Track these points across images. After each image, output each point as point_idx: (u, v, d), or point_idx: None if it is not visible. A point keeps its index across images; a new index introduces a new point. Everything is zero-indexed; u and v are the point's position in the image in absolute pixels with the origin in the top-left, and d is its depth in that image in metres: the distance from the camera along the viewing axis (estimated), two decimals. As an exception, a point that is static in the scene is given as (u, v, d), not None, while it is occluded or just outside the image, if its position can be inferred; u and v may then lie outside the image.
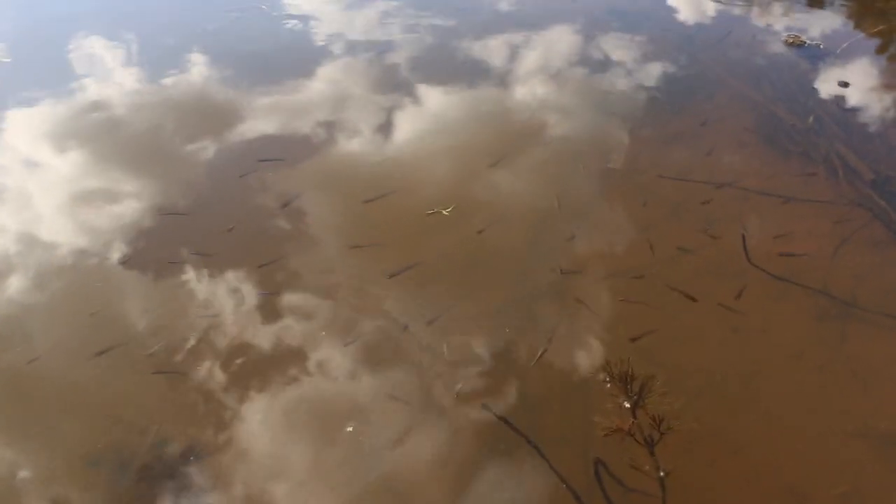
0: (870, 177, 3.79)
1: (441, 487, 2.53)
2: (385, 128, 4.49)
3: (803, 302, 3.14)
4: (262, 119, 4.63)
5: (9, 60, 5.66)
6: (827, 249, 3.39)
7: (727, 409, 2.71)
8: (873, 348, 2.95)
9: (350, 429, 2.71)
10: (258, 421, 2.78)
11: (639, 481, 2.47)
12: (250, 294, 3.33)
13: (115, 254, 3.61)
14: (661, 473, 2.47)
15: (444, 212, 3.72)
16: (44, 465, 2.71)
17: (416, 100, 4.81)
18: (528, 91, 4.84)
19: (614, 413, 2.67)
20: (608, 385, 2.76)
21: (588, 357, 2.92)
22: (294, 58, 5.42)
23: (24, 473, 2.69)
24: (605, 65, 5.11)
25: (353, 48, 5.50)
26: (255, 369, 2.98)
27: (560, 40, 5.49)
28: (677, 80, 4.88)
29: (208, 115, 4.77)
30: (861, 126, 4.32)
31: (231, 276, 3.43)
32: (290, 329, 3.15)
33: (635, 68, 5.05)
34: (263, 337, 3.12)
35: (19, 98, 5.04)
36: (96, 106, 4.88)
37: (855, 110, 4.46)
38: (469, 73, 5.06)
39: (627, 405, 2.67)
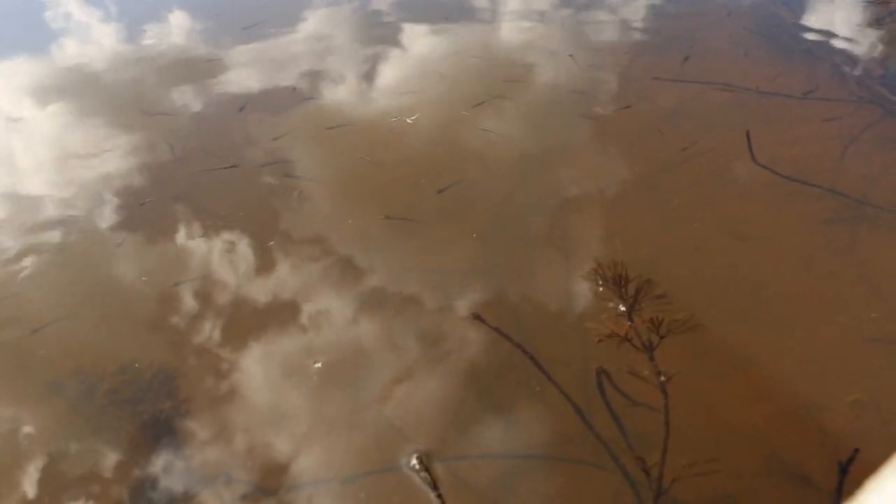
0: (879, 73, 3.50)
1: (436, 402, 2.30)
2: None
3: (812, 206, 2.89)
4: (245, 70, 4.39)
5: None
6: (836, 150, 3.12)
7: (733, 318, 2.46)
8: (886, 251, 2.72)
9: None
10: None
11: (638, 388, 2.24)
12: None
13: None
14: (662, 378, 2.23)
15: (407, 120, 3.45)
16: None
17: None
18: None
19: (609, 319, 2.42)
20: (601, 289, 2.50)
21: (580, 263, 2.66)
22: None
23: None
24: None
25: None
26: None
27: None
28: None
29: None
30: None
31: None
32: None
33: None
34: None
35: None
36: (78, 64, 4.69)
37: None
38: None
39: (623, 309, 2.42)
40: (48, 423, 2.43)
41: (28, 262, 3.15)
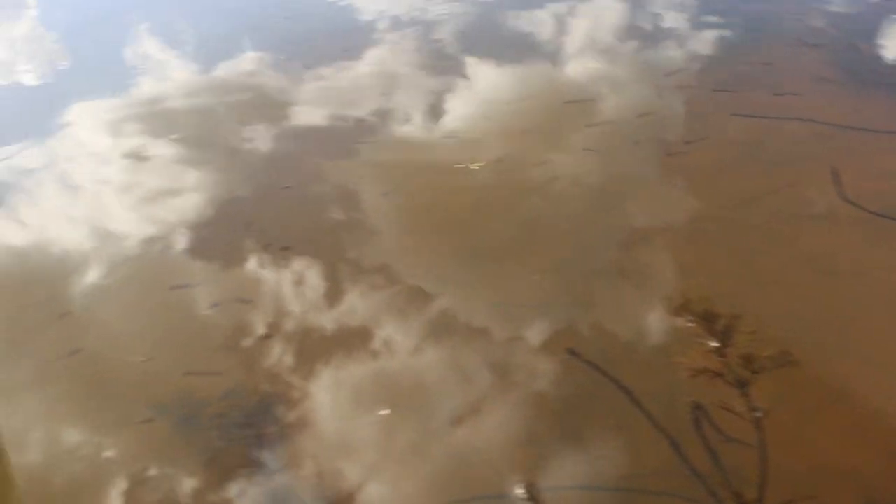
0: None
1: (528, 432, 2.38)
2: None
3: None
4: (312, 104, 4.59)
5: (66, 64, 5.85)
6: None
7: (826, 355, 2.46)
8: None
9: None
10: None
11: (730, 424, 2.27)
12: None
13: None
14: (758, 414, 2.25)
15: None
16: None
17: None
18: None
19: (699, 354, 2.45)
20: (690, 324, 2.54)
21: (668, 299, 2.71)
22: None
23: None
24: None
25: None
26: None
27: None
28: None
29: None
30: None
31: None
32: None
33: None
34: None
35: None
36: (153, 97, 4.93)
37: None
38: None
39: (714, 344, 2.46)
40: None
41: (109, 287, 3.31)
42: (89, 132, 4.69)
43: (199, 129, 4.57)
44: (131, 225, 3.71)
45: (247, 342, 2.86)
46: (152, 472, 2.41)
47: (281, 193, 3.79)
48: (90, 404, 2.72)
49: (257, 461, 2.40)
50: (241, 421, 2.54)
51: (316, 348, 2.80)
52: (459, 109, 4.30)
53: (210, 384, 2.68)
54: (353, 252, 3.27)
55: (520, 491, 2.18)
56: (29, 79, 5.74)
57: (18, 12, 7.20)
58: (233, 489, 2.32)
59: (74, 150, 4.50)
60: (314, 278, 3.16)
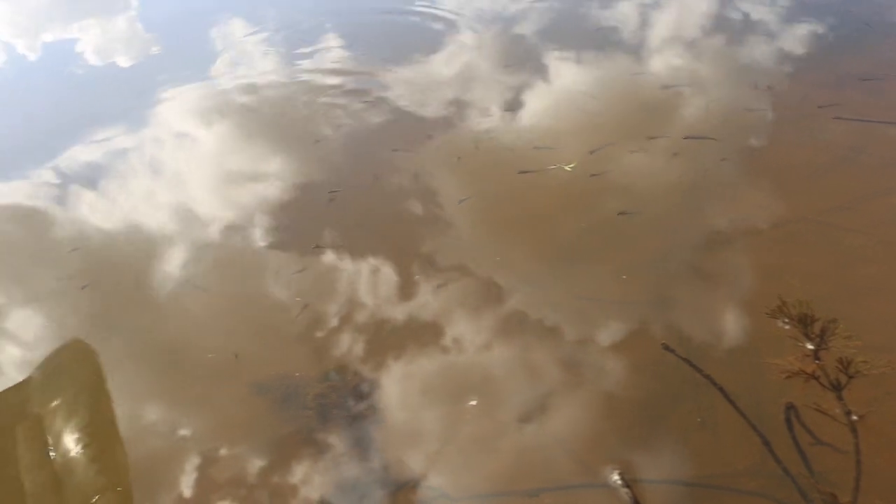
0: None
1: (620, 424, 2.45)
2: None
3: None
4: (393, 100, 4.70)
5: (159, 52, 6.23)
6: None
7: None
8: None
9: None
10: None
11: (824, 427, 2.27)
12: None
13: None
14: (854, 417, 2.25)
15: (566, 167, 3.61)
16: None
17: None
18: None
19: (794, 356, 2.46)
20: (786, 327, 2.55)
21: (762, 300, 2.71)
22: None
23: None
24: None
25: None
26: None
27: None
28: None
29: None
30: None
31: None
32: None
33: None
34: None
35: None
36: (239, 88, 5.16)
37: None
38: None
39: (810, 347, 2.46)
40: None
41: (196, 277, 3.52)
42: (178, 118, 4.97)
43: (281, 118, 4.76)
44: (215, 210, 3.94)
45: (332, 331, 3.03)
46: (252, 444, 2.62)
47: (358, 184, 3.93)
48: (195, 388, 2.94)
49: (352, 440, 2.56)
50: (338, 402, 2.70)
51: (406, 338, 2.94)
52: (541, 104, 4.35)
53: (301, 368, 2.87)
54: (429, 246, 3.39)
55: (615, 479, 2.25)
56: (124, 65, 6.12)
57: (119, 7, 7.65)
58: (328, 467, 2.49)
59: (163, 135, 4.80)
60: (393, 270, 3.30)
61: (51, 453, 1.92)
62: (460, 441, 2.49)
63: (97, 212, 4.14)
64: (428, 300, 3.08)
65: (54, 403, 2.04)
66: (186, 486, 2.51)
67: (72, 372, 2.18)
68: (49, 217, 4.16)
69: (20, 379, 2.45)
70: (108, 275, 3.62)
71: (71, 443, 1.93)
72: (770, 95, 3.97)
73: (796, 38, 4.56)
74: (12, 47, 7.16)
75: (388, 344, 2.90)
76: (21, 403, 2.10)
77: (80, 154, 4.78)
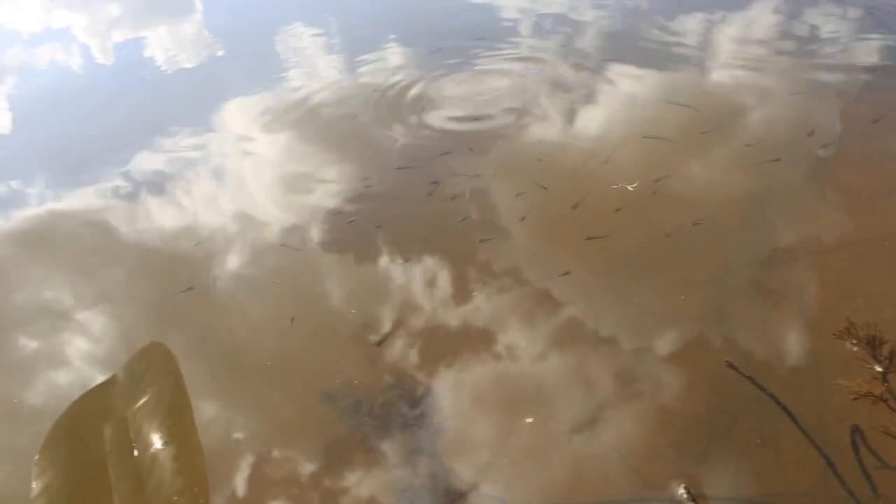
0: None
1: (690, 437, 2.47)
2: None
3: None
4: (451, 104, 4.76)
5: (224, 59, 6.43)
6: None
7: None
8: None
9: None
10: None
11: (892, 450, 2.25)
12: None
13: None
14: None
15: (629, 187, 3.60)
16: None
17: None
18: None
19: (862, 378, 2.44)
20: (854, 349, 2.53)
21: (829, 320, 2.69)
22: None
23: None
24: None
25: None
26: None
27: None
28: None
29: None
30: None
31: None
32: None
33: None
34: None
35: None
36: (301, 94, 5.28)
37: None
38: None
39: (879, 369, 2.43)
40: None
41: (252, 276, 3.63)
42: (242, 125, 5.08)
43: (341, 124, 4.84)
44: (273, 217, 4.02)
45: (389, 340, 3.09)
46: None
47: (415, 190, 3.99)
48: (269, 395, 3.04)
49: (415, 449, 2.62)
50: (403, 411, 2.77)
51: (464, 346, 3.00)
52: (601, 116, 4.35)
53: (365, 377, 2.95)
54: (485, 254, 3.44)
55: (681, 493, 2.27)
56: (190, 72, 6.28)
57: (185, 14, 7.86)
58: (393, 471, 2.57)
59: (227, 142, 4.91)
60: (449, 278, 3.35)
61: (134, 452, 2.04)
62: (517, 451, 2.54)
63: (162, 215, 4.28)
64: (489, 309, 3.14)
65: (139, 404, 2.15)
66: (255, 489, 2.62)
67: (153, 373, 2.30)
68: (117, 220, 4.30)
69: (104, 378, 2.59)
70: (179, 280, 3.73)
71: (153, 444, 2.04)
72: (838, 112, 3.90)
73: (863, 49, 4.47)
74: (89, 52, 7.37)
75: (450, 353, 2.95)
76: (108, 403, 2.22)
77: (169, 155, 4.90)
